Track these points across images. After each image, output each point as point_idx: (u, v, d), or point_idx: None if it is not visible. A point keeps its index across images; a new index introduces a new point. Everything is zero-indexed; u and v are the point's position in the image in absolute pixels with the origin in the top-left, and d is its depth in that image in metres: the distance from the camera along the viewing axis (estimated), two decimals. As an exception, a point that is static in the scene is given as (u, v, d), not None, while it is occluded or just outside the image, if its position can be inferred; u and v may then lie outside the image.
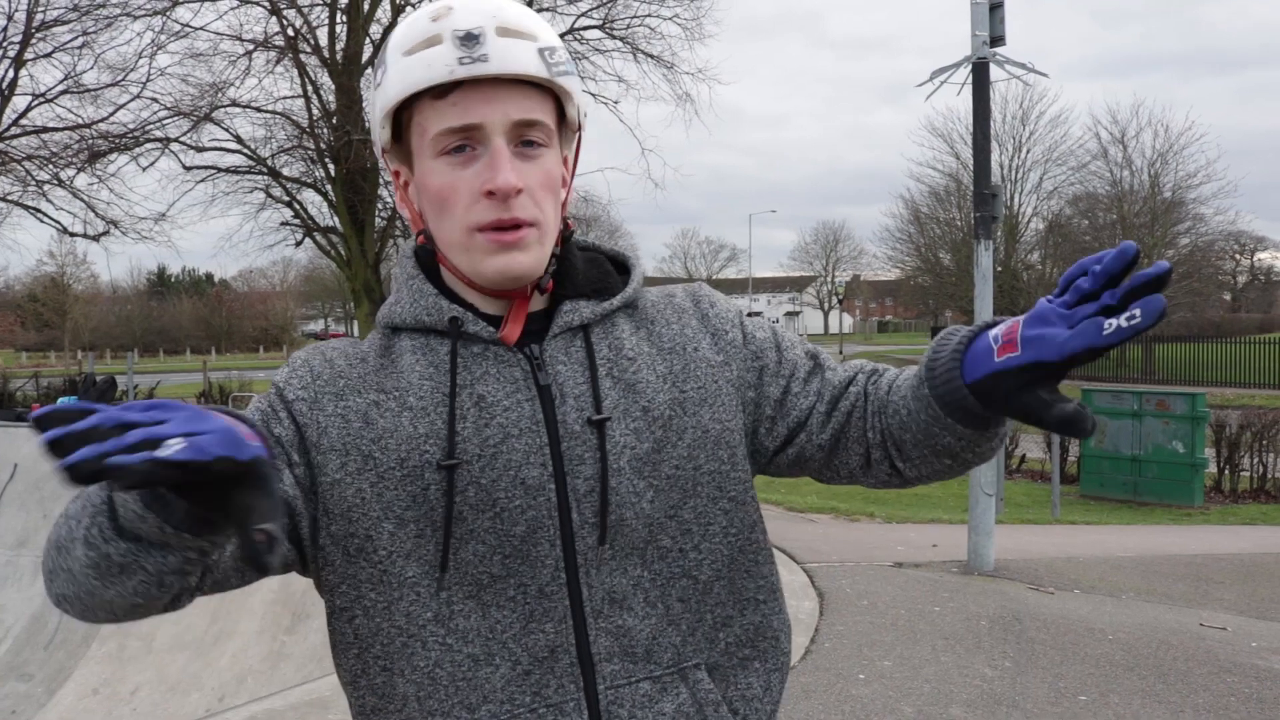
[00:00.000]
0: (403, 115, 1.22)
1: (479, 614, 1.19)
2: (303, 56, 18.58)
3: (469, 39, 1.14)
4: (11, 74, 19.31)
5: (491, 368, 1.22)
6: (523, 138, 1.18)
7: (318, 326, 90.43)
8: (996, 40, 8.12)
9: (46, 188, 20.28)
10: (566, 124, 1.25)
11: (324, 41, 18.98)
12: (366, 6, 19.10)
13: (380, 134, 1.24)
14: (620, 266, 1.38)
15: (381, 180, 19.76)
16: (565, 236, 1.29)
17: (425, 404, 1.20)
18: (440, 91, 1.16)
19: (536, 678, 1.19)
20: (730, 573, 1.28)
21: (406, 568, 1.19)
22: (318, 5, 18.87)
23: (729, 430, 1.28)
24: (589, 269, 1.32)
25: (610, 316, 1.30)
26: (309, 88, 18.90)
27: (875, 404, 1.28)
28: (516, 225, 1.17)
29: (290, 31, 18.45)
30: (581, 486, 1.20)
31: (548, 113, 1.21)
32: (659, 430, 1.24)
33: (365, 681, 1.24)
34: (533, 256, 1.20)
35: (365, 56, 19.21)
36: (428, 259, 1.31)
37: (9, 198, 20.73)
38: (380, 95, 1.21)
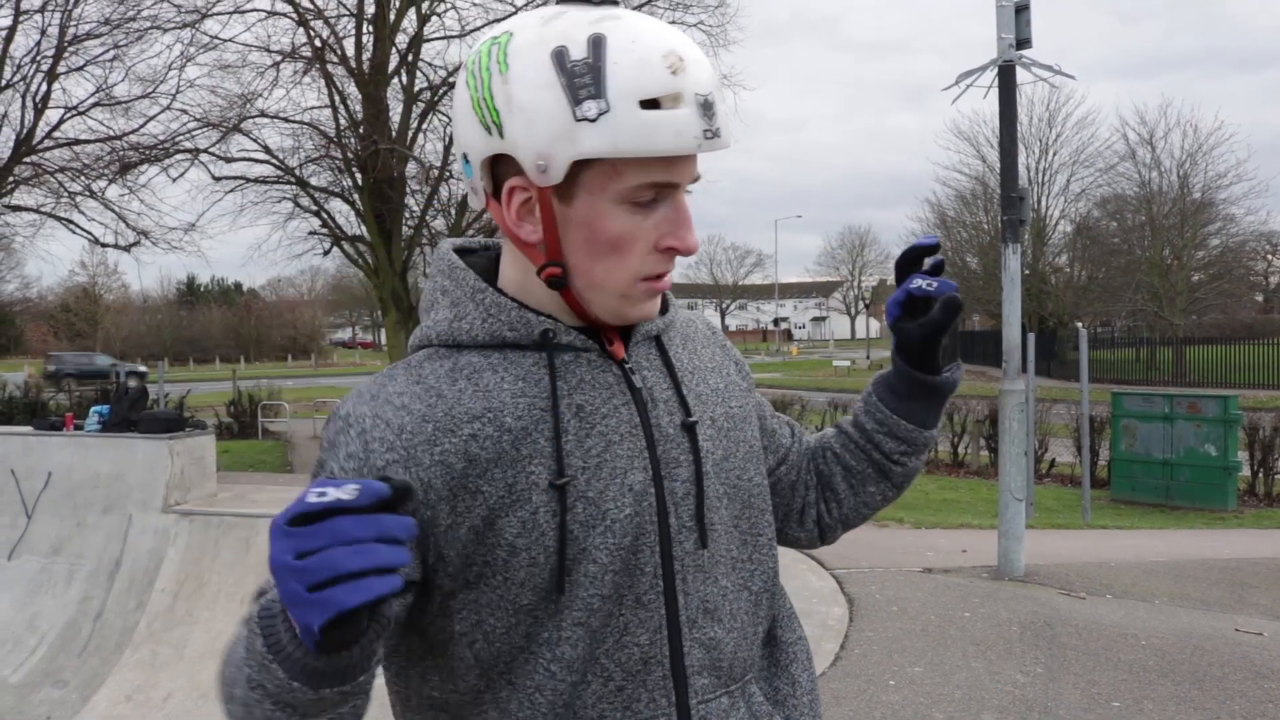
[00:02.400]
0: None
1: (586, 642, 1.15)
2: (330, 67, 18.69)
3: (708, 108, 1.09)
4: (45, 87, 19.57)
5: (586, 374, 1.20)
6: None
7: (345, 335, 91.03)
8: (1023, 43, 8.07)
9: (78, 199, 20.55)
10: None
11: (351, 52, 19.09)
12: (392, 17, 19.20)
13: (556, 171, 1.10)
14: None
15: (408, 189, 19.87)
16: None
17: (524, 423, 1.15)
18: None
19: (629, 692, 1.16)
20: (773, 586, 1.33)
21: (521, 595, 1.14)
22: (344, 16, 19.00)
23: (759, 448, 1.36)
24: None
25: (669, 329, 1.32)
26: (336, 98, 19.02)
27: (809, 451, 1.50)
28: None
29: (317, 42, 18.57)
30: (679, 489, 1.20)
31: None
32: (725, 440, 1.28)
33: (490, 696, 1.17)
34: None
35: (391, 66, 19.32)
36: (476, 265, 1.27)
37: (42, 209, 21.00)
38: (589, 135, 1.07)
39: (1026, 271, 37.91)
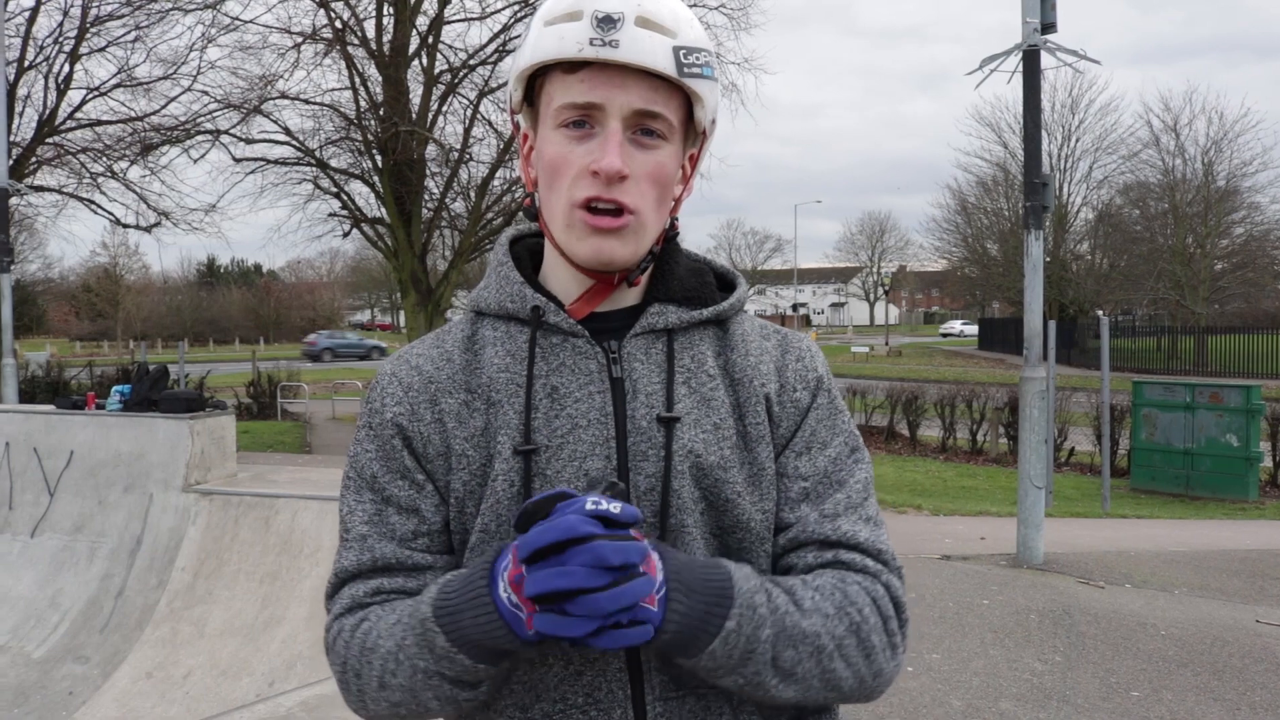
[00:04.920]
0: (537, 80, 1.23)
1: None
2: (350, 49, 18.72)
3: (606, 22, 1.15)
4: (67, 68, 19.67)
5: (568, 359, 1.23)
6: (642, 127, 1.18)
7: (364, 317, 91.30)
8: (1048, 27, 7.99)
9: (100, 180, 20.69)
10: (694, 125, 1.25)
11: (371, 34, 19.11)
12: (413, -1, 19.20)
13: (513, 94, 1.26)
14: (726, 284, 1.36)
15: (428, 172, 19.88)
16: (669, 236, 1.29)
17: (501, 397, 1.22)
18: (572, 66, 1.17)
19: (588, 679, 1.18)
20: None
21: (470, 560, 1.20)
22: (365, -3, 19.01)
23: (772, 475, 1.25)
24: (689, 277, 1.31)
25: (698, 329, 1.29)
26: (356, 80, 19.03)
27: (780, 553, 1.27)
28: (617, 211, 1.17)
29: (338, 24, 18.59)
30: (643, 483, 1.19)
31: (674, 109, 1.20)
32: (726, 450, 1.22)
33: None
34: (629, 247, 1.20)
35: (412, 48, 19.32)
36: (523, 250, 1.35)
37: (64, 190, 21.14)
38: (517, 57, 1.23)
39: (1047, 259, 37.65)
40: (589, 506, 0.97)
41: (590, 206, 1.17)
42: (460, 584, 1.08)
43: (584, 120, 1.17)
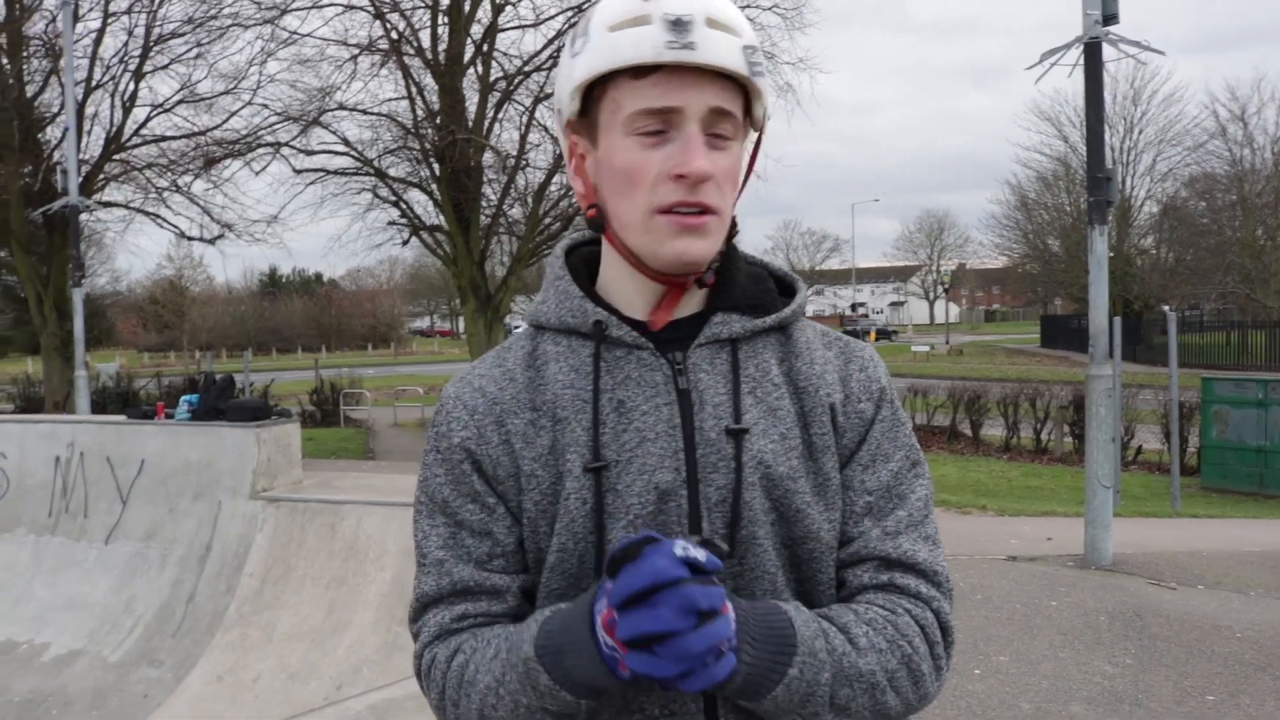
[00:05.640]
0: (594, 90, 1.22)
1: None
2: (406, 59, 18.90)
3: (679, 25, 1.15)
4: (132, 87, 20.11)
5: (633, 371, 1.23)
6: (714, 128, 1.18)
7: (424, 323, 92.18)
8: (1109, 19, 7.84)
9: (165, 194, 21.11)
10: (751, 122, 1.25)
11: (426, 43, 19.28)
12: (467, 7, 19.34)
13: (570, 105, 1.23)
14: (785, 288, 1.36)
15: (485, 179, 20.03)
16: (730, 235, 1.28)
17: (568, 413, 1.21)
18: (641, 72, 1.16)
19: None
20: None
21: (552, 580, 1.21)
22: (420, 8, 19.18)
23: (837, 485, 1.25)
24: (750, 284, 1.31)
25: (761, 336, 1.28)
26: (413, 89, 19.22)
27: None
28: (701, 210, 1.17)
29: (394, 35, 18.79)
30: (714, 495, 1.18)
31: (738, 108, 1.21)
32: (794, 460, 1.22)
33: None
34: (710, 243, 1.20)
35: (467, 56, 19.47)
36: (579, 261, 1.33)
37: (131, 205, 21.61)
38: (577, 66, 1.20)
39: (1111, 254, 36.98)
40: (678, 552, 0.98)
41: (676, 210, 1.17)
42: (561, 625, 1.09)
43: (660, 127, 1.17)
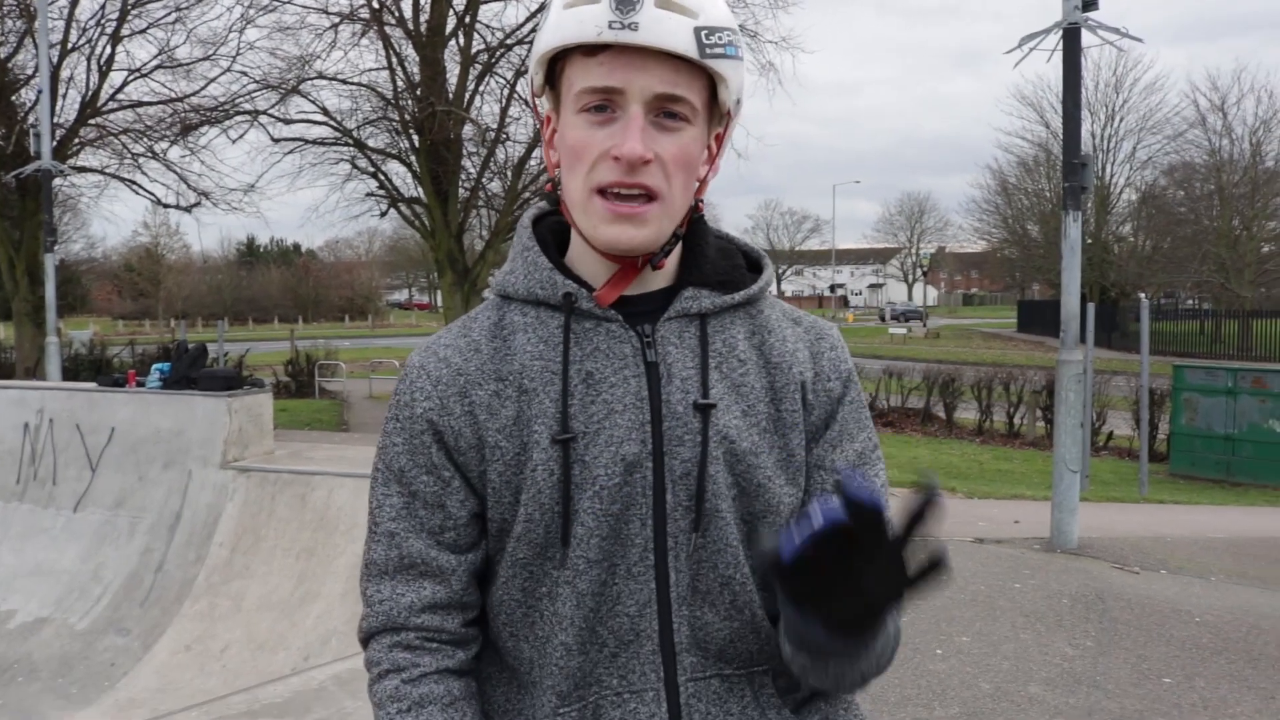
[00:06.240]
0: (558, 64, 1.22)
1: (573, 603, 1.20)
2: (387, 29, 18.75)
3: (625, 3, 1.13)
4: (109, 50, 19.88)
5: (602, 343, 1.23)
6: (664, 110, 1.17)
7: (402, 296, 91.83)
8: (1088, 4, 7.87)
9: (141, 160, 20.94)
10: (718, 105, 1.23)
11: (408, 14, 19.12)
12: (450, -22, 19.20)
13: (534, 78, 1.26)
14: (753, 264, 1.36)
15: (464, 151, 19.92)
16: (694, 218, 1.28)
17: (536, 384, 1.21)
18: (593, 50, 1.16)
19: (622, 661, 1.21)
20: None
21: (518, 549, 1.21)
22: (402, -23, 19.02)
23: (801, 462, 1.27)
24: (720, 259, 1.31)
25: (730, 312, 1.29)
26: (393, 60, 19.08)
27: None
28: (645, 196, 1.17)
29: (375, 4, 18.63)
30: (679, 468, 1.20)
31: (697, 91, 1.18)
32: (756, 435, 1.23)
33: (498, 645, 1.29)
34: (648, 231, 1.19)
35: (449, 28, 19.33)
36: (546, 232, 1.33)
37: (106, 170, 21.41)
38: (540, 40, 1.22)
39: (1088, 240, 37.15)
40: None
41: (611, 192, 1.16)
42: None
43: (605, 104, 1.16)
